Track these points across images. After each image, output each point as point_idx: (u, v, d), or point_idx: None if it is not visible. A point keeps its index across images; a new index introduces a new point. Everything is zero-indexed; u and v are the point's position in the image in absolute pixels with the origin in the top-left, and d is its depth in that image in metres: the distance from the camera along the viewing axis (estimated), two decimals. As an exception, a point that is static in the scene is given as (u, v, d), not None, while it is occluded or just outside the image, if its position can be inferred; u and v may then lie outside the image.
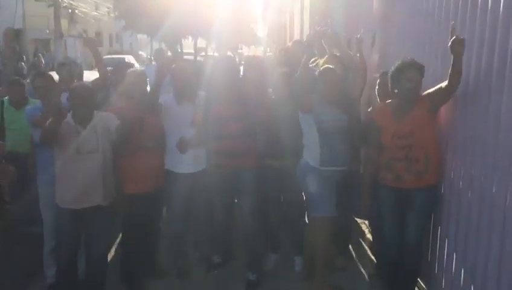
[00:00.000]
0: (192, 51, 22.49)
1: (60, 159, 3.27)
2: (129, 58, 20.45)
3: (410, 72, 3.13)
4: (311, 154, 3.57)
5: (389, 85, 3.30)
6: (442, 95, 3.05)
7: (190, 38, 28.75)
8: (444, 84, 3.00)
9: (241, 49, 31.54)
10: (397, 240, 3.35)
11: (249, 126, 3.76)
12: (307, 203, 3.76)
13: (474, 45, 2.82)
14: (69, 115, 3.30)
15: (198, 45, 23.18)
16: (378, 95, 3.74)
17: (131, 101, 3.60)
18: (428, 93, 3.16)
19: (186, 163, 3.76)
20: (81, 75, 5.11)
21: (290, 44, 4.53)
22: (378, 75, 3.88)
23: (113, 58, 17.69)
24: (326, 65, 3.65)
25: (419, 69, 3.16)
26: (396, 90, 3.26)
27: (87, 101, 3.27)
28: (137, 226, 3.62)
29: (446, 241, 3.22)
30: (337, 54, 3.97)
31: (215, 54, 19.63)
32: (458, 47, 2.79)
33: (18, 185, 3.64)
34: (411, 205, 3.25)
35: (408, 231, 3.29)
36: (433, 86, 3.15)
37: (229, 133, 3.72)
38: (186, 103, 3.79)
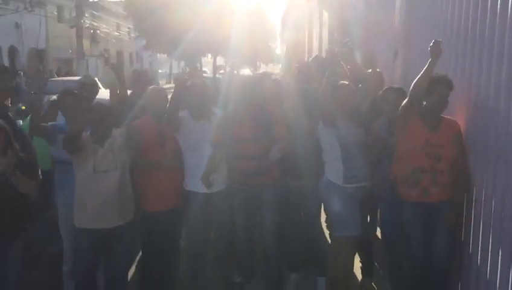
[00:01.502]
0: (206, 69, 22.81)
1: (77, 179, 3.27)
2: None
3: (443, 88, 3.15)
4: (333, 171, 3.52)
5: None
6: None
7: (209, 56, 29.14)
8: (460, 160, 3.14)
9: (259, 66, 31.80)
10: (426, 260, 3.25)
11: (269, 146, 3.71)
12: (331, 223, 3.67)
13: (493, 58, 2.79)
14: (88, 133, 3.30)
15: (217, 63, 23.38)
16: (385, 111, 3.67)
17: (152, 117, 3.61)
18: (458, 134, 3.20)
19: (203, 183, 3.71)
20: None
21: (307, 60, 4.50)
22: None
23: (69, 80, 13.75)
24: (342, 81, 3.64)
25: (450, 86, 3.18)
26: (424, 102, 3.25)
27: (104, 120, 3.27)
28: (157, 243, 3.59)
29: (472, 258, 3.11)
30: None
31: (235, 72, 19.67)
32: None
33: (38, 204, 3.64)
34: (436, 221, 3.18)
35: (438, 250, 3.22)
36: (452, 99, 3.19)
37: (249, 154, 3.67)
38: (202, 120, 3.75)
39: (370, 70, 4.40)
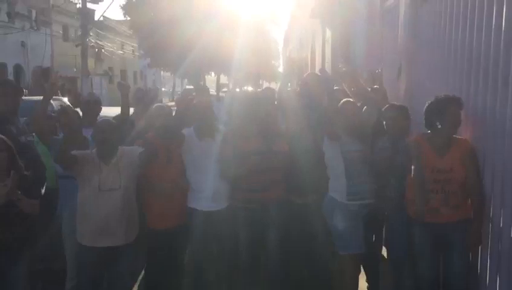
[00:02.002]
0: (211, 89, 23.07)
1: (81, 196, 3.25)
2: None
3: (454, 107, 3.13)
4: (337, 187, 3.49)
5: (427, 118, 3.22)
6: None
7: (213, 74, 29.33)
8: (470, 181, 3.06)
9: (262, 84, 31.95)
10: (436, 282, 3.20)
11: (274, 160, 3.70)
12: (335, 241, 3.63)
13: (499, 78, 2.78)
14: (94, 151, 3.29)
15: (221, 81, 23.53)
16: (386, 128, 3.65)
17: (156, 134, 3.62)
18: (470, 154, 3.12)
19: (206, 200, 3.68)
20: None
21: (306, 76, 4.52)
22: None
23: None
24: (346, 98, 3.65)
25: (461, 105, 3.15)
26: (438, 124, 3.19)
27: (110, 137, 3.26)
28: (160, 261, 3.55)
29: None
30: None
31: (237, 90, 19.80)
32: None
33: (41, 221, 3.62)
34: (450, 242, 3.11)
35: (452, 272, 3.13)
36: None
37: (254, 169, 3.65)
38: (206, 138, 3.74)
39: (375, 86, 4.40)
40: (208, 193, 3.64)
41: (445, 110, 3.12)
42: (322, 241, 3.83)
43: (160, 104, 4.01)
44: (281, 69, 35.93)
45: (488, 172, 3.01)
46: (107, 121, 3.41)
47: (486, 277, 3.01)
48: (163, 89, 35.88)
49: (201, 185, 3.61)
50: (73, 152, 3.20)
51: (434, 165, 3.14)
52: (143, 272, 3.99)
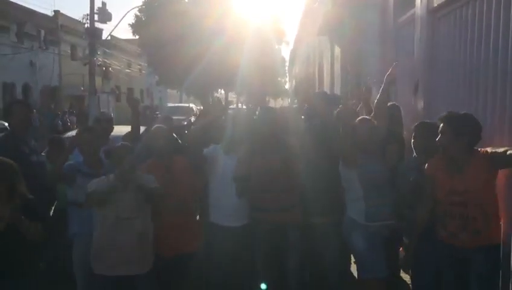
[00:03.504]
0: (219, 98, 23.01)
1: (98, 224, 3.15)
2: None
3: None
4: (356, 209, 3.39)
5: (441, 128, 3.07)
6: (501, 161, 2.82)
7: (220, 91, 29.40)
8: (509, 151, 2.77)
9: (268, 101, 32.01)
10: None
11: (292, 180, 3.61)
12: (356, 264, 3.50)
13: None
14: (112, 176, 3.19)
15: (229, 98, 23.59)
16: (414, 148, 3.52)
17: (159, 159, 3.54)
18: (488, 154, 2.89)
19: (227, 216, 3.63)
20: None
21: (312, 95, 4.46)
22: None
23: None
24: (362, 116, 3.58)
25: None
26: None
27: (132, 163, 3.18)
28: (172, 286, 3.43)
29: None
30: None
31: (244, 107, 19.90)
32: None
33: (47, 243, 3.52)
34: (470, 269, 2.93)
35: None
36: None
37: (272, 187, 3.56)
38: (233, 153, 3.69)
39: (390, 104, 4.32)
40: (229, 208, 3.61)
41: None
42: (341, 262, 3.73)
43: (159, 125, 3.93)
44: (287, 86, 36.03)
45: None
46: (125, 146, 3.31)
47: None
48: (168, 104, 35.90)
49: (223, 200, 3.59)
50: (95, 188, 3.11)
51: (450, 186, 2.97)
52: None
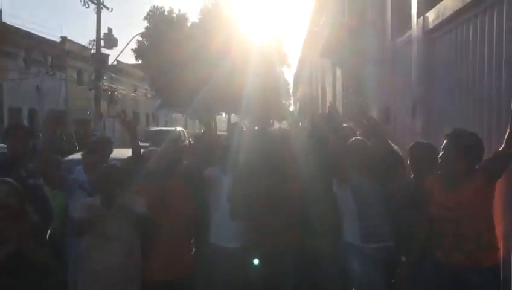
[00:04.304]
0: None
1: (84, 246, 3.11)
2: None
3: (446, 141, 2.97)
4: (350, 230, 3.36)
5: (444, 144, 3.06)
6: (498, 162, 2.80)
7: (223, 114, 29.54)
8: (499, 149, 2.78)
9: (273, 123, 32.12)
10: None
11: (285, 202, 3.59)
12: (355, 287, 3.44)
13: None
14: (98, 197, 3.18)
15: (232, 121, 23.61)
16: (411, 167, 3.49)
17: (152, 181, 3.49)
18: (483, 165, 2.89)
19: (226, 237, 3.61)
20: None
21: (315, 116, 4.47)
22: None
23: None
24: (355, 137, 3.60)
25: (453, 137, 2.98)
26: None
27: (113, 182, 3.15)
28: None
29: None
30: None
31: (256, 127, 19.83)
32: None
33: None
34: (466, 289, 2.86)
35: None
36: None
37: (266, 211, 3.54)
38: (230, 175, 3.72)
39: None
40: (229, 229, 3.59)
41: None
42: (337, 285, 3.66)
43: (153, 148, 3.95)
44: (291, 108, 36.17)
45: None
46: (112, 166, 3.31)
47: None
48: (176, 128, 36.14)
49: (223, 221, 3.58)
50: (81, 214, 3.10)
51: (440, 202, 2.94)
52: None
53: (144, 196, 3.28)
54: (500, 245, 2.91)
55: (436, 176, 3.08)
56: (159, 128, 18.50)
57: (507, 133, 2.71)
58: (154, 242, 3.30)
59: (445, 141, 2.96)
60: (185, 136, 12.33)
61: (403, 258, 3.45)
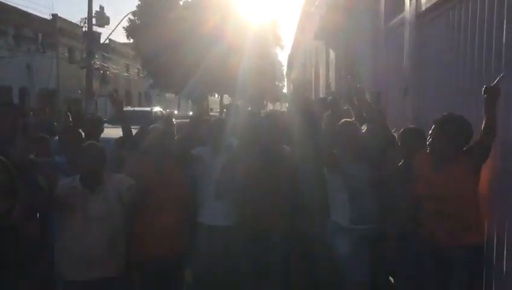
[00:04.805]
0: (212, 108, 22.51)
1: (63, 226, 3.06)
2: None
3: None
4: (340, 211, 3.40)
5: (432, 130, 3.09)
6: (479, 151, 2.86)
7: (216, 95, 29.45)
8: (478, 139, 2.82)
9: (266, 105, 32.07)
10: None
11: (275, 184, 3.61)
12: (342, 267, 3.50)
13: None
14: (77, 177, 3.12)
15: (224, 102, 23.52)
16: (401, 153, 3.52)
17: (150, 157, 3.50)
18: (469, 151, 2.92)
19: (212, 215, 3.62)
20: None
21: (310, 99, 4.49)
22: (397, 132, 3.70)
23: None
24: (345, 119, 3.59)
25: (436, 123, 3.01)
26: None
27: (97, 163, 3.09)
28: None
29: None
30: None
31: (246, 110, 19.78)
32: (489, 94, 2.65)
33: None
34: (449, 268, 2.94)
35: None
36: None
37: (256, 193, 3.56)
38: (220, 155, 3.71)
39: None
40: (217, 208, 3.62)
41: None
42: (326, 269, 3.71)
43: (156, 125, 3.94)
44: (285, 90, 36.09)
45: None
46: (92, 145, 3.23)
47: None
48: (167, 110, 35.92)
49: (211, 201, 3.61)
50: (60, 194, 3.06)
51: (426, 181, 3.00)
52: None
53: (139, 173, 3.26)
54: (485, 225, 2.97)
55: (426, 155, 3.12)
56: (131, 109, 15.73)
57: (484, 121, 2.73)
58: (145, 219, 3.31)
59: (433, 127, 2.99)
60: (162, 115, 11.72)
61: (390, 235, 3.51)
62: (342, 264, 3.45)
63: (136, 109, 16.52)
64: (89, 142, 3.29)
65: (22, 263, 2.89)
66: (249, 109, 5.48)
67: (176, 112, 34.08)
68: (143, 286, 3.37)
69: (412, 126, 3.66)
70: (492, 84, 2.69)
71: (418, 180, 3.09)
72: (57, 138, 5.12)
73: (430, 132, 3.01)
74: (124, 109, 4.27)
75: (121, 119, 3.87)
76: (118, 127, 4.10)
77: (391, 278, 3.87)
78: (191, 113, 25.69)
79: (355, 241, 3.35)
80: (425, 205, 3.02)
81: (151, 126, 3.89)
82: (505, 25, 2.81)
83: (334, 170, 3.41)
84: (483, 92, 2.71)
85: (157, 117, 11.83)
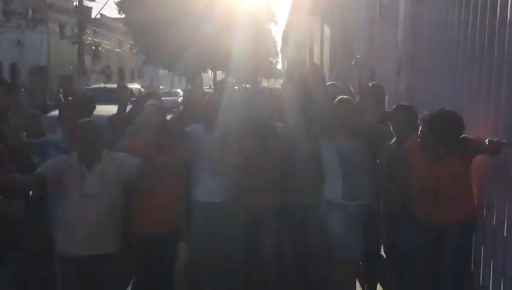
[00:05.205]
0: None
1: (61, 204, 3.05)
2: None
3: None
4: (332, 188, 3.41)
5: (422, 129, 3.09)
6: (473, 152, 2.91)
7: (210, 71, 29.24)
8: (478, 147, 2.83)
9: (260, 82, 31.92)
10: (431, 280, 3.09)
11: (267, 160, 3.63)
12: (331, 243, 3.52)
13: (503, 79, 2.72)
14: (74, 154, 3.09)
15: (218, 78, 23.35)
16: (393, 130, 3.53)
17: (147, 134, 3.49)
18: (462, 145, 2.91)
19: (207, 192, 3.61)
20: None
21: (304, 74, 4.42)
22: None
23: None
24: (341, 96, 3.59)
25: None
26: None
27: (94, 140, 3.05)
28: (150, 270, 3.36)
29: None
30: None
31: (236, 88, 19.69)
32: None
33: (29, 222, 3.52)
34: (443, 243, 3.01)
35: (443, 272, 3.03)
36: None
37: (247, 167, 3.58)
38: (214, 132, 3.69)
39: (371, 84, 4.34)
40: (210, 185, 3.60)
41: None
42: (319, 247, 3.75)
43: (153, 102, 3.92)
44: (279, 67, 35.88)
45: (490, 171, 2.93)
46: (90, 121, 3.18)
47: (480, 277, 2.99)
48: (161, 87, 35.67)
49: (204, 178, 3.60)
50: (42, 169, 3.02)
51: (421, 174, 3.03)
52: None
53: (137, 150, 3.24)
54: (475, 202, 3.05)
55: (415, 145, 3.11)
56: (102, 86, 14.20)
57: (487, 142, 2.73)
58: (142, 195, 3.32)
59: (421, 127, 2.99)
60: (141, 93, 10.52)
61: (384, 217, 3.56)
62: (335, 241, 3.48)
63: (108, 86, 13.96)
64: (86, 119, 3.24)
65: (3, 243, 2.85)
66: (243, 85, 5.45)
67: (161, 87, 33.61)
68: (139, 261, 3.39)
69: (405, 104, 3.66)
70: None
71: (410, 170, 3.12)
72: (48, 115, 5.10)
73: (419, 131, 3.02)
74: (95, 85, 4.28)
75: (121, 103, 3.87)
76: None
77: (383, 253, 3.94)
78: (178, 90, 25.27)
79: (348, 218, 3.37)
80: (421, 193, 3.06)
81: (147, 103, 3.86)
82: (498, 2, 2.78)
83: (330, 134, 3.41)
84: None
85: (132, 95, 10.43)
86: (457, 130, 2.89)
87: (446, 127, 2.86)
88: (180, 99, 20.28)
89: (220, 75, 26.36)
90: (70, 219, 3.03)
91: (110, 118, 4.18)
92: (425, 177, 3.00)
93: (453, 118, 2.89)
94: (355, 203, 3.37)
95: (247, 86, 6.72)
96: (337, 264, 3.50)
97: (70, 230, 3.03)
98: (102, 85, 14.31)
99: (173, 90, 27.03)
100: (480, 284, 3.03)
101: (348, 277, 3.44)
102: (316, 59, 13.43)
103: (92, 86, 14.85)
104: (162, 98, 6.02)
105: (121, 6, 24.00)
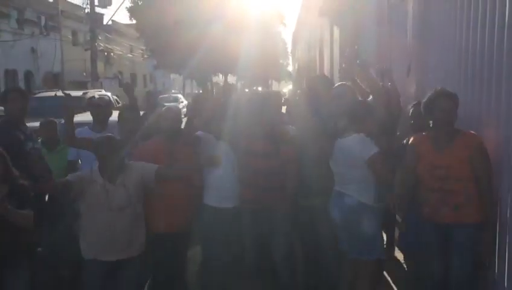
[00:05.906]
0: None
1: (88, 217, 3.14)
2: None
3: (442, 102, 2.99)
4: (364, 191, 3.30)
5: (424, 115, 3.13)
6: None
7: (220, 75, 29.32)
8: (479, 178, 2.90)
9: (271, 84, 31.91)
10: (444, 280, 3.08)
11: (279, 163, 3.64)
12: (359, 246, 3.43)
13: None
14: (96, 170, 3.15)
15: (228, 82, 23.39)
16: (412, 127, 3.55)
17: (162, 138, 3.55)
18: (471, 156, 2.93)
19: (217, 197, 3.65)
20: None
21: (314, 78, 4.44)
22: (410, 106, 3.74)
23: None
24: (340, 82, 3.60)
25: (451, 98, 3.01)
26: (430, 121, 3.11)
27: (115, 155, 3.12)
28: (166, 267, 3.46)
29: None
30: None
31: (246, 90, 19.69)
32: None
33: (47, 226, 3.59)
34: (452, 244, 3.00)
35: (452, 276, 3.02)
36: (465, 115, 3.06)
37: (259, 169, 3.60)
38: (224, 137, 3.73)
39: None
40: (222, 190, 3.64)
41: (433, 106, 3.02)
42: (329, 245, 3.74)
43: (170, 106, 3.98)
44: (289, 68, 35.83)
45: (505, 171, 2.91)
46: (109, 136, 3.25)
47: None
48: (172, 91, 35.82)
49: (215, 183, 3.62)
50: (68, 177, 3.12)
51: (430, 161, 3.03)
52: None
53: (152, 155, 3.34)
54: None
55: (424, 137, 3.14)
56: (52, 94, 10.22)
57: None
58: (156, 195, 3.38)
59: (444, 101, 2.98)
60: (111, 100, 9.10)
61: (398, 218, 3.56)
62: (365, 243, 3.36)
63: (59, 94, 9.42)
64: (107, 135, 3.31)
65: (17, 249, 2.95)
66: (253, 88, 5.47)
67: (173, 91, 33.51)
68: (157, 258, 3.47)
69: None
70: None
71: (419, 160, 3.11)
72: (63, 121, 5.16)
73: (442, 106, 3.01)
74: (44, 94, 4.32)
75: (132, 102, 3.92)
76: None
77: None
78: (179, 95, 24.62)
79: (376, 219, 3.34)
80: (428, 183, 3.05)
81: (165, 107, 3.90)
82: (507, 4, 2.77)
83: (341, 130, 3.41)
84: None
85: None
86: (451, 95, 2.99)
87: (438, 92, 2.99)
88: (181, 105, 20.23)
89: (230, 78, 26.40)
90: (96, 230, 3.11)
91: (121, 108, 4.27)
92: (433, 163, 3.00)
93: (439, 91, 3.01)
94: (382, 205, 3.35)
95: (258, 88, 6.73)
96: (362, 265, 3.43)
97: (96, 239, 3.12)
98: (52, 92, 10.55)
99: (173, 95, 26.93)
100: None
101: (371, 277, 3.44)
102: (326, 61, 13.41)
103: (40, 95, 11.05)
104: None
105: (132, 12, 24.20)
